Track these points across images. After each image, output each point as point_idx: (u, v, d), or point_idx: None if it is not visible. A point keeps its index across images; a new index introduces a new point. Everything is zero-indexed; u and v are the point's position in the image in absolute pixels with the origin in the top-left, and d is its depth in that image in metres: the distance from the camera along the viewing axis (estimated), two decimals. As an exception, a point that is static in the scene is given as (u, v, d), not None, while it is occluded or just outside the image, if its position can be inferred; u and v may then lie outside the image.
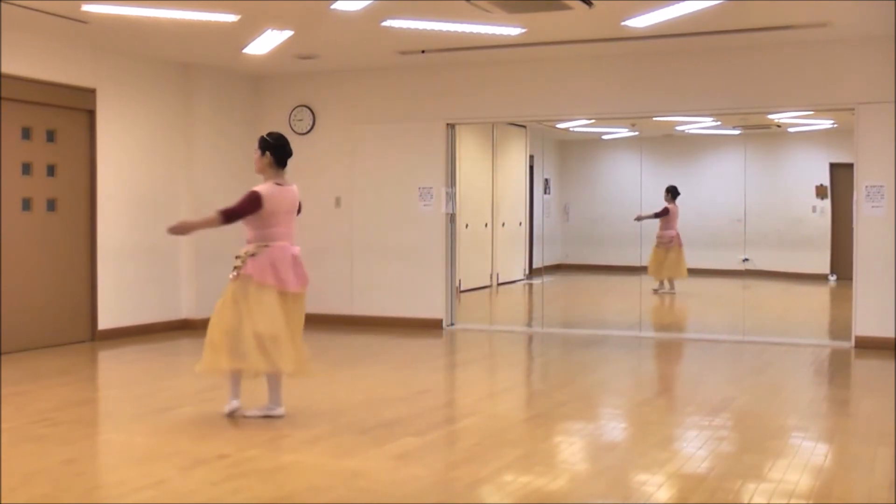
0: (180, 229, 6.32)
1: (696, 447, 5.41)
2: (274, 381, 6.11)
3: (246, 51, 9.32)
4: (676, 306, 13.14)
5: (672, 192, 12.59)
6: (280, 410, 6.10)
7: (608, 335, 10.27)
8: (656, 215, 12.52)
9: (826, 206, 12.93)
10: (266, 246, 5.96)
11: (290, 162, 6.17)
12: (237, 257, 6.02)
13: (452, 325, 10.70)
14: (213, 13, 7.87)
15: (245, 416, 6.06)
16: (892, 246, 8.90)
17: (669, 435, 5.89)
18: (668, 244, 12.67)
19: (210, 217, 5.99)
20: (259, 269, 5.90)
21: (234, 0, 7.53)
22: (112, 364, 8.71)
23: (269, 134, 6.18)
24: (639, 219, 12.04)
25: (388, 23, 8.23)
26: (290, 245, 6.07)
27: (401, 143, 10.77)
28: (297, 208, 6.18)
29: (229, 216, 5.94)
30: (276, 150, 6.07)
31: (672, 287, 13.14)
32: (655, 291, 12.94)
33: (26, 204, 8.99)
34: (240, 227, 6.18)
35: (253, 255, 5.94)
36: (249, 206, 5.91)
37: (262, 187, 6.00)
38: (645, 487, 4.69)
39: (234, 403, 6.08)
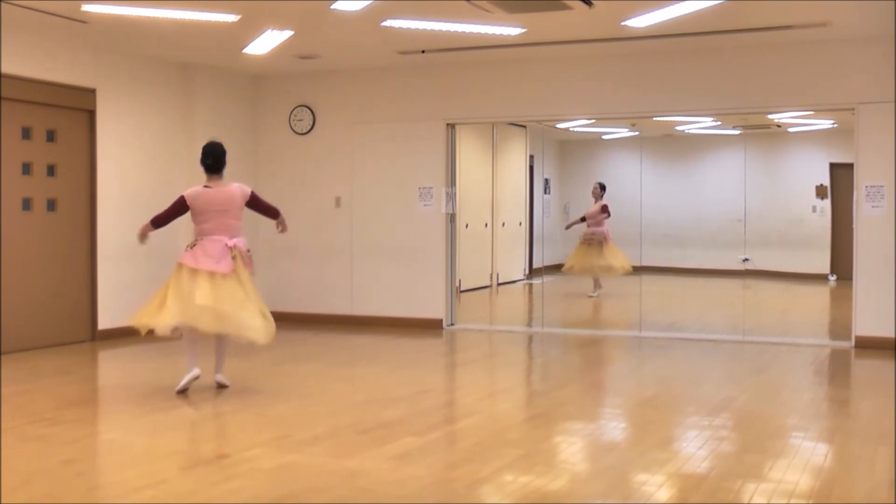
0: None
1: (696, 447, 5.41)
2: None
3: (246, 51, 9.32)
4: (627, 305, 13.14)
5: (603, 188, 12.56)
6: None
7: (608, 335, 10.27)
8: (604, 209, 12.50)
9: (826, 206, 12.93)
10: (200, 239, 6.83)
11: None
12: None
13: (452, 325, 10.70)
14: (213, 13, 7.87)
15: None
16: (892, 246, 8.90)
17: (669, 435, 5.89)
18: (600, 240, 12.63)
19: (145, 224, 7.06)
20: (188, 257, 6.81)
21: (234, 0, 7.53)
22: (112, 364, 8.71)
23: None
24: (569, 227, 12.65)
25: (388, 23, 8.24)
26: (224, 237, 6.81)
27: (401, 143, 10.77)
28: (233, 206, 6.89)
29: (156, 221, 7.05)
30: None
31: (600, 287, 13.11)
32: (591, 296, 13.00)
33: (26, 204, 8.99)
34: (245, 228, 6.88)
35: (191, 246, 6.85)
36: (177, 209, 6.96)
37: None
38: (645, 487, 4.69)
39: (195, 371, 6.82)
